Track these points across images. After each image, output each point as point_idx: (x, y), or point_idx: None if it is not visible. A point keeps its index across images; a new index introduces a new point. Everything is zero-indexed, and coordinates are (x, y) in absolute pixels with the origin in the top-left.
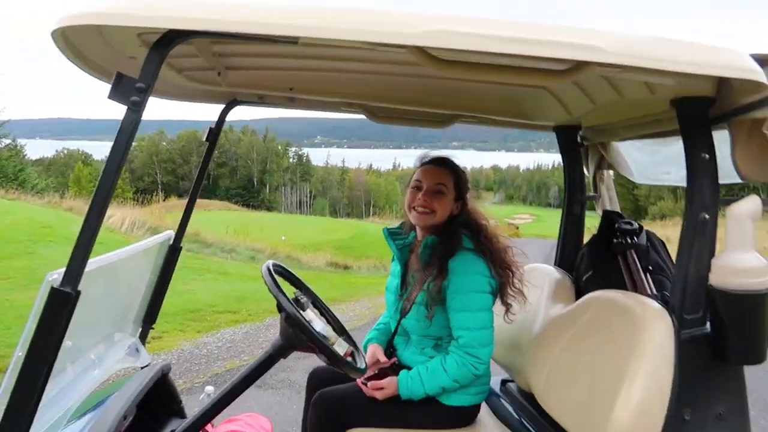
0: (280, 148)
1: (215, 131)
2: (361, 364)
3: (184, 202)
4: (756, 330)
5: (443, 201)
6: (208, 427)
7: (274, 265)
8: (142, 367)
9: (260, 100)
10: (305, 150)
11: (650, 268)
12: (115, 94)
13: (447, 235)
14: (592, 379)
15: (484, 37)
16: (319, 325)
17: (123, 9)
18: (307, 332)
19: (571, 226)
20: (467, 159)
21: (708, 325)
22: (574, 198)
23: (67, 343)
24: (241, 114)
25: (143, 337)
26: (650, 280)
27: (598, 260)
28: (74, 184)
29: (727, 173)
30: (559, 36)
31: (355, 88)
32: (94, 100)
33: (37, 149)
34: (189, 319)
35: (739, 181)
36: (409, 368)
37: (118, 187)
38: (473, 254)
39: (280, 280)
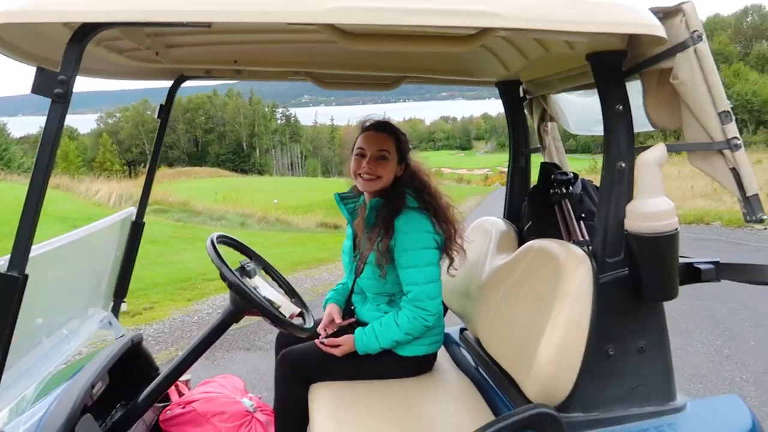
0: (267, 109)
1: (166, 107)
2: (308, 324)
3: (173, 171)
4: (667, 269)
5: (387, 166)
6: (184, 389)
7: (219, 236)
8: (116, 339)
9: (208, 75)
10: (293, 110)
11: (583, 216)
12: (39, 88)
13: (391, 196)
14: (523, 323)
15: (388, 10)
16: (267, 290)
17: (33, 5)
18: (249, 298)
19: (518, 178)
20: (457, 108)
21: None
22: (518, 151)
23: (38, 320)
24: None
25: (116, 311)
26: (583, 227)
27: (536, 210)
28: (62, 160)
29: (641, 123)
30: (459, 4)
31: (300, 57)
32: None
33: (21, 127)
34: (180, 288)
35: (651, 129)
36: (365, 324)
37: (107, 160)
38: (417, 212)
39: (228, 250)
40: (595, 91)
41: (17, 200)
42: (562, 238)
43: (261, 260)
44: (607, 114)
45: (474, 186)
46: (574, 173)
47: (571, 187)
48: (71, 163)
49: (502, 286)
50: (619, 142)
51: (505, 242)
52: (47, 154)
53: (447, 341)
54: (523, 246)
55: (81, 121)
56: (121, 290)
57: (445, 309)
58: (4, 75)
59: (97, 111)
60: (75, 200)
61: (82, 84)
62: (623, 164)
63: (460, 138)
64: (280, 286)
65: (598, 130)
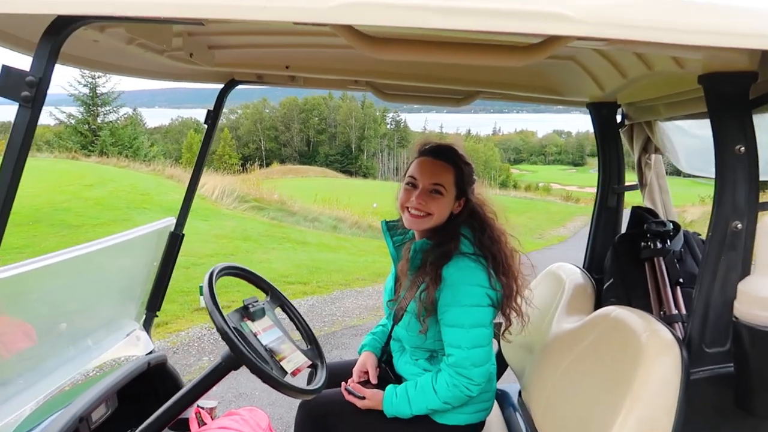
0: (378, 114)
1: (214, 114)
2: (316, 383)
3: (284, 168)
4: None
5: (441, 202)
6: (207, 418)
7: (225, 268)
8: (144, 355)
9: (259, 80)
10: (403, 115)
11: (681, 281)
12: (4, 90)
13: (443, 237)
14: (585, 412)
15: (414, 8)
16: (272, 337)
17: None
18: (235, 348)
19: (605, 221)
20: (573, 122)
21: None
22: (608, 187)
23: (61, 325)
24: None
25: (147, 325)
26: (679, 295)
27: (621, 266)
28: (186, 150)
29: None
30: (513, 3)
31: (358, 65)
32: None
33: (156, 118)
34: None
35: None
36: (401, 379)
37: (225, 154)
38: (471, 260)
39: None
40: None
41: (132, 187)
42: (650, 307)
43: (277, 296)
44: (723, 155)
45: (582, 205)
46: (675, 224)
47: (668, 242)
48: (194, 155)
49: (566, 356)
50: (736, 194)
51: (578, 299)
52: (11, 165)
53: (502, 401)
54: (598, 311)
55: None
56: (154, 303)
57: (504, 364)
58: None
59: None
60: (183, 191)
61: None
62: (739, 225)
63: (573, 153)
64: (298, 328)
65: (707, 170)
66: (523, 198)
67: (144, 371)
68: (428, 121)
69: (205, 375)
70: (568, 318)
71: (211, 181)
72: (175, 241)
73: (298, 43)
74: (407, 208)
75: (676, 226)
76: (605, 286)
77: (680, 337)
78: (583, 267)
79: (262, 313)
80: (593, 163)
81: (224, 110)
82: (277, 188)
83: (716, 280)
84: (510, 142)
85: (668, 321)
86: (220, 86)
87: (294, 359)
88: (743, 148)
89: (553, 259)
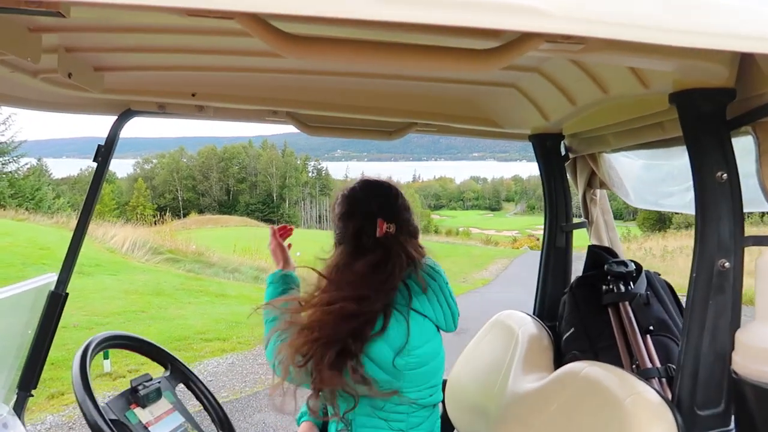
0: (299, 162)
1: (105, 149)
2: None
3: (202, 218)
4: None
5: None
6: None
7: (106, 340)
8: None
9: (161, 110)
10: (324, 164)
11: (651, 328)
12: None
13: None
14: None
15: None
16: (167, 427)
17: None
18: None
19: (555, 262)
20: (488, 169)
21: (732, 425)
22: (556, 226)
23: None
24: (261, 130)
25: (19, 408)
26: (651, 346)
27: (581, 314)
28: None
29: (752, 198)
30: None
31: (277, 92)
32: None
33: (64, 168)
34: (174, 348)
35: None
36: None
37: (139, 204)
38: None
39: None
40: (669, 150)
41: (30, 242)
42: (619, 359)
43: (179, 369)
44: (704, 184)
45: (501, 248)
46: (635, 263)
47: (632, 285)
48: (105, 206)
49: (533, 422)
50: (720, 229)
51: (535, 352)
52: None
53: None
54: (565, 368)
55: (120, 166)
56: (28, 380)
57: (451, 427)
58: (51, 117)
59: (137, 156)
60: (89, 245)
61: (126, 130)
62: (727, 263)
63: (490, 199)
64: (206, 409)
65: (670, 204)
66: (445, 242)
67: None
68: (350, 169)
69: None
70: (527, 376)
71: (121, 233)
72: (56, 301)
73: (205, 64)
74: None
75: (638, 267)
76: (565, 337)
77: (668, 398)
78: (534, 314)
79: (156, 395)
80: (509, 207)
81: (138, 159)
82: (195, 239)
83: (705, 330)
84: (430, 189)
85: (644, 376)
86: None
87: None
88: (725, 174)
89: (480, 302)
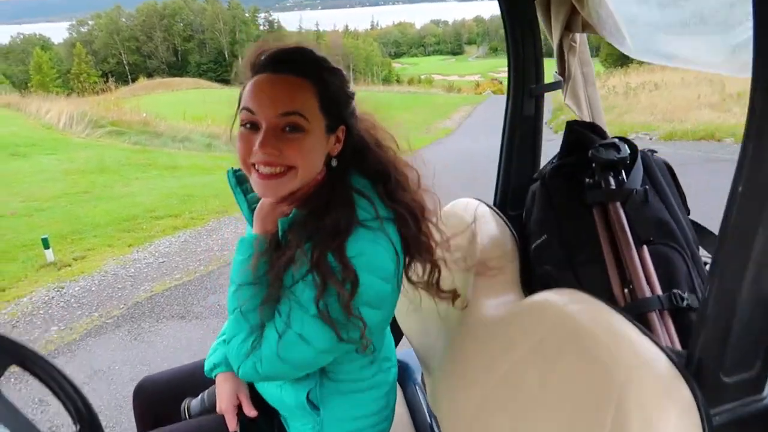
0: (247, 15)
1: None
2: None
3: (152, 82)
4: None
5: (304, 143)
6: None
7: None
8: None
9: None
10: (276, 15)
11: (651, 239)
12: None
13: (326, 202)
14: None
15: None
16: None
17: None
18: None
19: (521, 139)
20: (449, 12)
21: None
22: (521, 88)
23: None
24: None
25: None
26: (650, 264)
27: (556, 217)
28: (35, 72)
29: None
30: None
31: None
32: None
33: None
34: (121, 230)
35: None
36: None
37: (83, 72)
38: (375, 235)
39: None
40: None
41: None
42: (606, 278)
43: (7, 350)
44: None
45: (465, 95)
46: (628, 141)
47: (625, 177)
48: (45, 75)
49: (496, 370)
50: None
51: (496, 258)
52: None
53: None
54: (537, 299)
55: (56, 30)
56: None
57: (399, 332)
58: None
59: (71, 18)
60: (23, 122)
61: None
62: None
63: (452, 42)
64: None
65: (698, 59)
66: (407, 93)
67: None
68: (303, 20)
69: None
70: (489, 296)
71: (55, 107)
72: None
73: None
74: (252, 164)
75: (633, 149)
76: (534, 245)
77: (674, 359)
78: (495, 204)
79: None
80: (471, 51)
81: (72, 22)
82: (144, 106)
83: (750, 263)
84: (389, 36)
85: (641, 309)
86: None
87: None
88: None
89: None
